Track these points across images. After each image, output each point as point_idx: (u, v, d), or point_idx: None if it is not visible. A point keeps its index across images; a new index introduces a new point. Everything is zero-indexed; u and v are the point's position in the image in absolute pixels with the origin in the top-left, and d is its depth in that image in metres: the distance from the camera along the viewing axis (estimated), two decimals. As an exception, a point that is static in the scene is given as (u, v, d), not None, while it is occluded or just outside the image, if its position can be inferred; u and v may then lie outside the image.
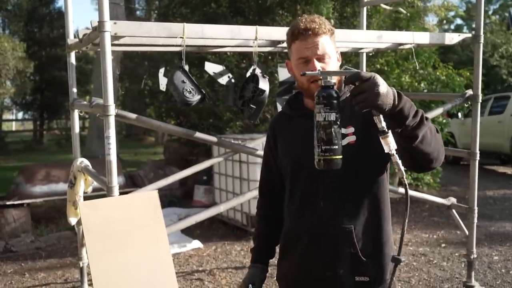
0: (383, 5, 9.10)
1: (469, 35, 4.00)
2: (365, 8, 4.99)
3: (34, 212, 6.70)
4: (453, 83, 7.83)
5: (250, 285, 2.00)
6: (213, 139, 3.46)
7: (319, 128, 1.56)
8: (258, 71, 3.63)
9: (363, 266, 1.87)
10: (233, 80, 3.80)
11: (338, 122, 1.56)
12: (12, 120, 29.03)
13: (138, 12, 19.55)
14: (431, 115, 4.19)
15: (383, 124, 1.54)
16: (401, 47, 4.27)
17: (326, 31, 1.83)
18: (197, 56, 7.35)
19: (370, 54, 5.04)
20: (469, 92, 4.01)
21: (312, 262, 1.91)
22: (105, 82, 2.73)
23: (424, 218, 7.05)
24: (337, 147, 1.56)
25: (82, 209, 2.31)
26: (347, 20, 7.62)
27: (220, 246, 5.97)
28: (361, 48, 4.59)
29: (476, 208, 4.04)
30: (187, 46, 3.57)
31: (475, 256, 4.10)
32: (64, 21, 3.86)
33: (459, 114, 11.48)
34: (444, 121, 8.48)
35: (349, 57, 7.28)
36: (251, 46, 3.42)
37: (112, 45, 3.41)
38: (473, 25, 3.99)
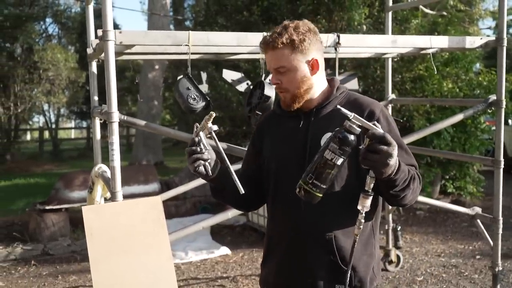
0: (424, 9, 8.94)
1: (492, 38, 3.85)
2: (390, 13, 4.92)
3: (72, 216, 6.92)
4: (495, 88, 7.51)
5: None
6: (223, 145, 3.47)
7: (322, 162, 1.53)
8: (267, 78, 3.63)
9: (343, 274, 1.84)
10: (251, 87, 3.81)
11: (341, 168, 1.55)
12: (70, 128, 30.18)
13: (187, 23, 19.91)
14: (451, 121, 4.06)
15: (371, 186, 1.60)
16: (423, 51, 4.15)
17: (280, 45, 1.82)
18: (232, 64, 7.42)
19: (395, 59, 4.93)
20: (493, 97, 3.85)
21: (292, 268, 1.90)
22: (109, 90, 2.80)
23: (462, 228, 6.80)
24: (325, 187, 1.57)
25: (85, 213, 2.35)
26: (383, 26, 7.47)
27: (247, 253, 5.97)
28: (385, 54, 4.52)
29: (501, 218, 3.87)
30: (197, 53, 3.64)
31: (501, 268, 3.92)
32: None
33: (510, 121, 10.98)
34: (488, 128, 8.15)
35: (381, 63, 7.14)
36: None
37: (124, 53, 3.54)
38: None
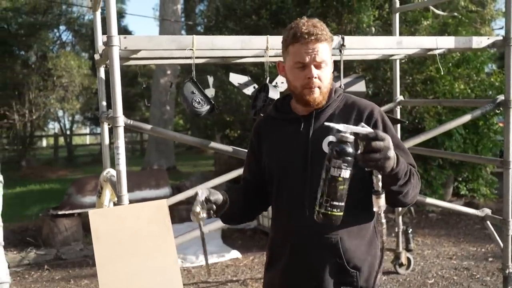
0: (435, 10, 8.88)
1: (500, 38, 3.82)
2: (397, 14, 4.91)
3: (84, 221, 6.96)
4: (507, 89, 7.43)
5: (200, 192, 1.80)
6: (229, 148, 3.49)
7: (332, 182, 1.52)
8: (274, 81, 3.64)
9: (349, 276, 1.84)
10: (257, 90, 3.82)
11: (350, 179, 1.53)
12: (85, 134, 30.42)
13: (198, 28, 20.00)
14: (458, 122, 4.02)
15: (380, 184, 1.59)
16: (430, 52, 4.13)
17: (328, 38, 1.80)
18: (241, 68, 7.44)
19: (403, 61, 4.91)
20: (501, 97, 3.81)
21: (297, 271, 1.89)
22: (114, 95, 2.82)
23: (475, 231, 6.72)
24: (343, 203, 1.55)
25: (92, 217, 2.37)
26: (392, 28, 7.45)
27: (258, 256, 5.97)
28: (392, 55, 4.49)
29: (511, 219, 3.82)
30: (202, 57, 3.66)
31: (511, 270, 3.87)
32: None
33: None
34: (501, 129, 8.06)
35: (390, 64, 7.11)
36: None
37: (130, 59, 3.57)
38: None
